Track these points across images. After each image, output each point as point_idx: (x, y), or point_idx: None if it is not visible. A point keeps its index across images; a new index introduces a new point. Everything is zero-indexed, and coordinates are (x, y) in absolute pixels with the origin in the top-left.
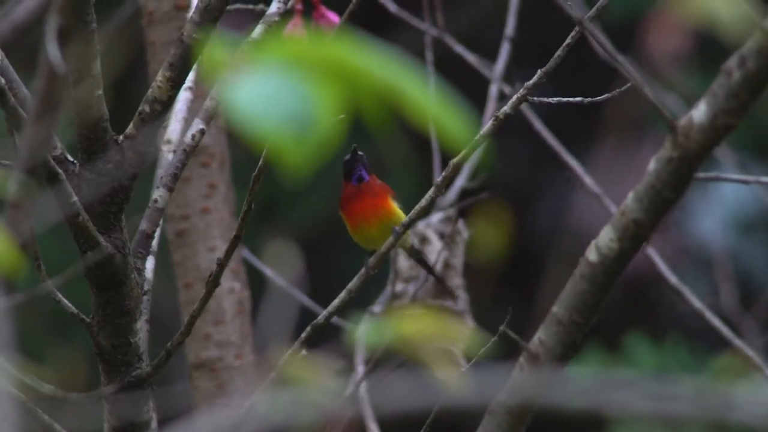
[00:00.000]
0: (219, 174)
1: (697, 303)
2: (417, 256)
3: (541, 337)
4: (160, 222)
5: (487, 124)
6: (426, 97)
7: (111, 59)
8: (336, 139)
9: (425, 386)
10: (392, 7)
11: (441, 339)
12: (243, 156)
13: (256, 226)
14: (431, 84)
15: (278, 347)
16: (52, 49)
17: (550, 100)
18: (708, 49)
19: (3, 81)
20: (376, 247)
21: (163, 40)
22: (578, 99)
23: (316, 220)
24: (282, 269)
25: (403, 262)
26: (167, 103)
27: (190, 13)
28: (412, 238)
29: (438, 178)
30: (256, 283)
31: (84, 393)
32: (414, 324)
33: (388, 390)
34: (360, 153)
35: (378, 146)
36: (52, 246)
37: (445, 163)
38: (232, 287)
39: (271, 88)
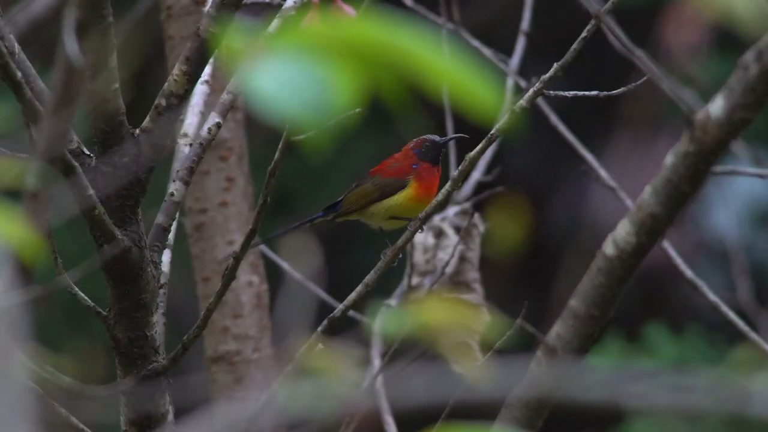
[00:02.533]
0: (237, 167)
1: (713, 296)
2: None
3: (558, 330)
4: (177, 215)
5: (504, 118)
6: (447, 64)
7: (130, 53)
8: (353, 121)
9: (442, 378)
10: (408, 1)
11: (458, 330)
12: (261, 149)
13: (274, 219)
14: (449, 55)
15: (296, 340)
16: (70, 43)
17: (566, 93)
18: (726, 42)
19: (20, 74)
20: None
21: (182, 34)
22: (594, 93)
23: None
24: (299, 263)
25: (420, 255)
26: (183, 97)
27: (207, 7)
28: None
29: (454, 173)
30: (274, 276)
31: (101, 385)
32: (431, 315)
33: (404, 382)
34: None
35: (398, 127)
36: (68, 239)
37: (460, 155)
38: (250, 281)
39: (289, 74)
